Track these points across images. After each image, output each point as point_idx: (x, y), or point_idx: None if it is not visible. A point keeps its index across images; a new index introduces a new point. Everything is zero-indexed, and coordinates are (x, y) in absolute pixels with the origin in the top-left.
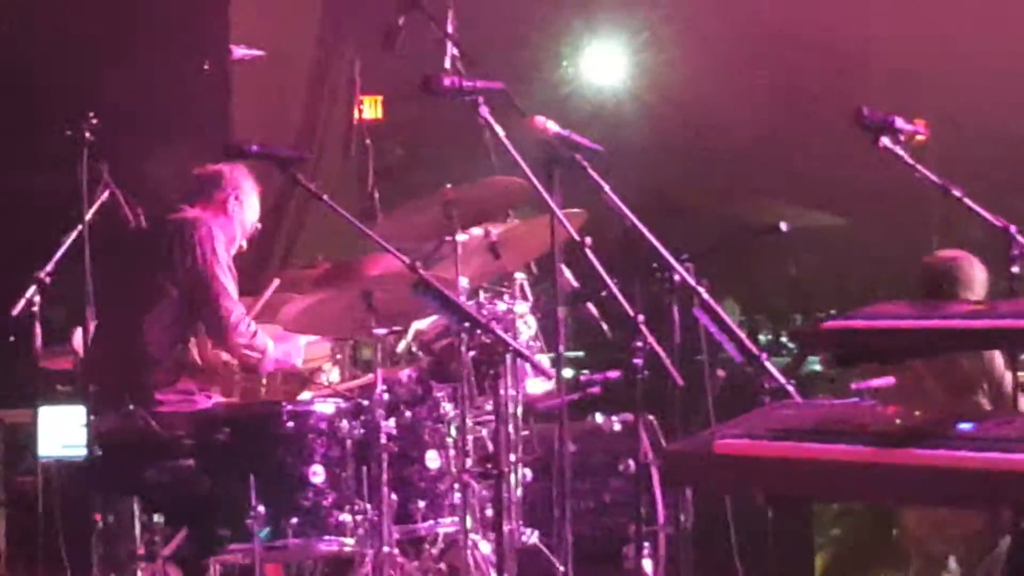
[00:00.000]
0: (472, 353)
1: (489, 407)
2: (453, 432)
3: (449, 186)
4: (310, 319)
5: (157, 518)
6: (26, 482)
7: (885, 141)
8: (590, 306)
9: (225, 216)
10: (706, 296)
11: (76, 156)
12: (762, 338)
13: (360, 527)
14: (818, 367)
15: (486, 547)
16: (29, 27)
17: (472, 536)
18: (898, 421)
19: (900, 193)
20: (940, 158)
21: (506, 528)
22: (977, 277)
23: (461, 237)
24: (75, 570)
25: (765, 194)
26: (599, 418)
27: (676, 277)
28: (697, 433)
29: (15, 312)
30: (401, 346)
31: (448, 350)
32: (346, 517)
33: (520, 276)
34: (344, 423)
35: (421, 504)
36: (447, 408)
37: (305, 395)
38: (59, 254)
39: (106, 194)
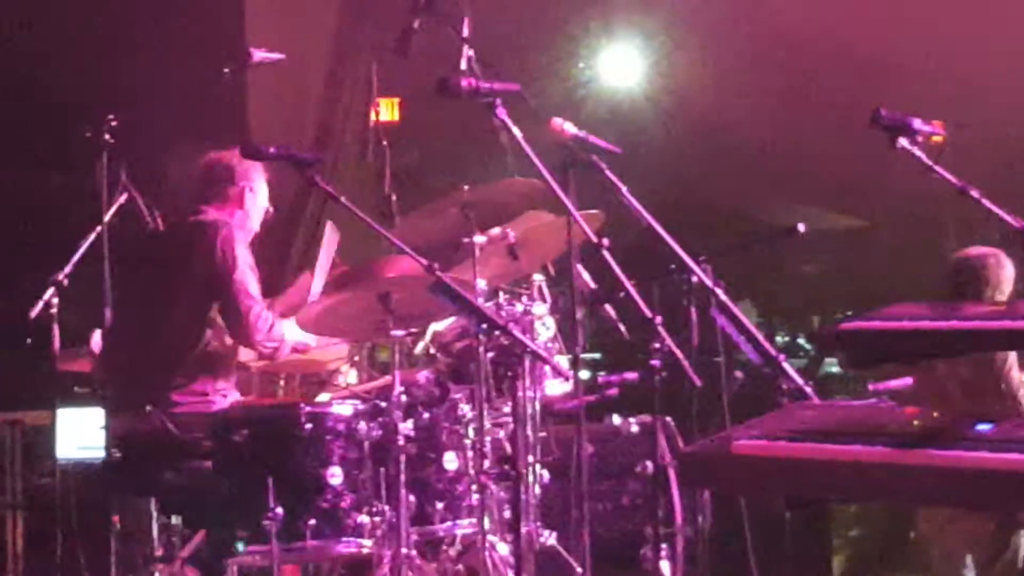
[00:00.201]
0: (490, 355)
1: (507, 408)
2: (471, 433)
3: (466, 188)
4: (328, 321)
5: (175, 520)
6: (44, 484)
7: (903, 142)
8: (608, 307)
9: (241, 210)
10: (723, 297)
11: (94, 158)
12: (779, 339)
13: (378, 528)
14: (835, 368)
15: (504, 548)
16: (48, 30)
17: (490, 538)
18: (916, 422)
19: (917, 194)
20: (957, 159)
21: (524, 529)
22: (1005, 276)
23: (479, 238)
24: (93, 572)
25: (782, 195)
26: (617, 419)
27: (694, 278)
28: (715, 434)
29: (33, 314)
30: (419, 348)
31: (466, 352)
32: (364, 519)
33: (538, 277)
34: (362, 425)
35: (439, 505)
36: (465, 409)
37: (323, 397)
38: (77, 256)
39: (124, 196)
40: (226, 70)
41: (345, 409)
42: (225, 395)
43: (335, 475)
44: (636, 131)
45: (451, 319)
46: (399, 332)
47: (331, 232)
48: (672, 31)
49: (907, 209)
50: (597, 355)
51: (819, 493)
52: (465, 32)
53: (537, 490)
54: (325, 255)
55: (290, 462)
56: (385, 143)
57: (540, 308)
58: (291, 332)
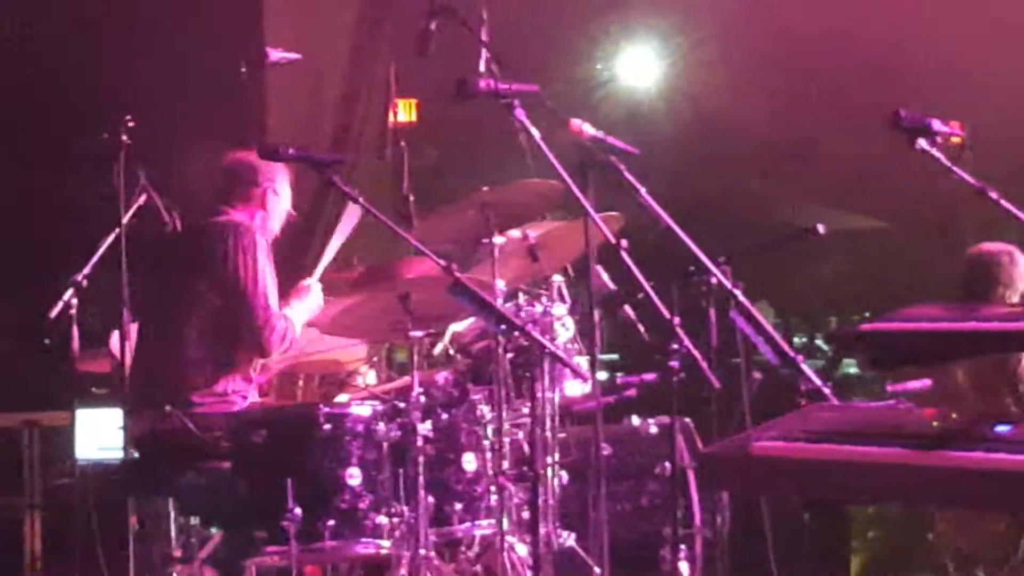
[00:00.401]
0: (509, 355)
1: (526, 409)
2: (490, 434)
3: (485, 188)
4: (347, 322)
5: (193, 520)
6: (63, 484)
7: (922, 143)
8: (626, 308)
9: (263, 211)
10: (742, 298)
11: (112, 159)
12: (797, 340)
13: (396, 529)
14: (853, 369)
15: (522, 549)
16: (65, 31)
17: (508, 538)
18: (935, 423)
19: (935, 195)
20: (975, 160)
21: (542, 531)
22: (1018, 274)
23: (498, 239)
24: (111, 572)
25: (800, 197)
26: (635, 421)
27: (712, 280)
28: (733, 436)
29: (53, 315)
30: (438, 349)
31: (485, 352)
32: (383, 519)
33: (558, 278)
34: (381, 425)
35: (457, 506)
36: (484, 410)
37: (342, 397)
38: (96, 257)
39: (143, 197)
40: (243, 70)
41: (364, 410)
42: (244, 396)
43: (354, 476)
44: (654, 132)
45: (470, 320)
46: (418, 333)
47: (352, 212)
48: (689, 32)
49: (925, 210)
50: (616, 356)
51: (837, 494)
52: (483, 33)
53: (556, 491)
54: (340, 233)
55: (309, 463)
56: (403, 144)
57: (559, 309)
58: (297, 316)
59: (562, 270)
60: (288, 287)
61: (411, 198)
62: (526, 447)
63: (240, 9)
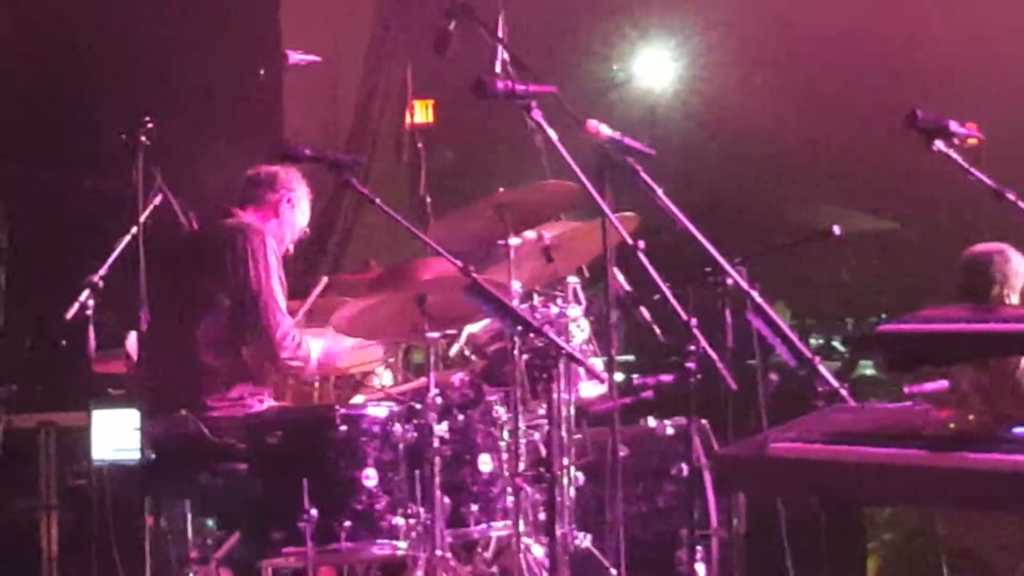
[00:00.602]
0: (525, 357)
1: (542, 411)
2: (506, 436)
3: (501, 189)
4: (363, 323)
5: (210, 522)
6: (79, 485)
7: (939, 144)
8: (643, 310)
9: (276, 218)
10: (759, 299)
11: (130, 160)
12: (813, 342)
13: (413, 530)
14: (870, 371)
15: (538, 551)
16: (84, 33)
17: (524, 540)
18: (951, 425)
19: (952, 196)
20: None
21: (558, 532)
22: (1012, 271)
23: (514, 241)
24: (127, 573)
25: (816, 198)
26: (652, 422)
27: (729, 281)
28: (750, 437)
29: (69, 316)
30: (454, 350)
31: (501, 354)
32: (399, 520)
33: (573, 280)
34: (397, 427)
35: (474, 508)
36: (500, 411)
37: (358, 399)
38: (112, 258)
39: (159, 198)
40: (261, 71)
41: (380, 411)
42: (261, 400)
43: (370, 477)
44: (670, 133)
45: (486, 321)
46: (434, 334)
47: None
48: (705, 34)
49: (941, 211)
50: (632, 357)
51: (854, 496)
52: (500, 34)
53: (572, 492)
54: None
55: (325, 464)
56: (420, 145)
57: (575, 310)
58: (317, 350)
59: (577, 271)
60: (303, 289)
61: (427, 199)
62: (542, 448)
63: (258, 11)
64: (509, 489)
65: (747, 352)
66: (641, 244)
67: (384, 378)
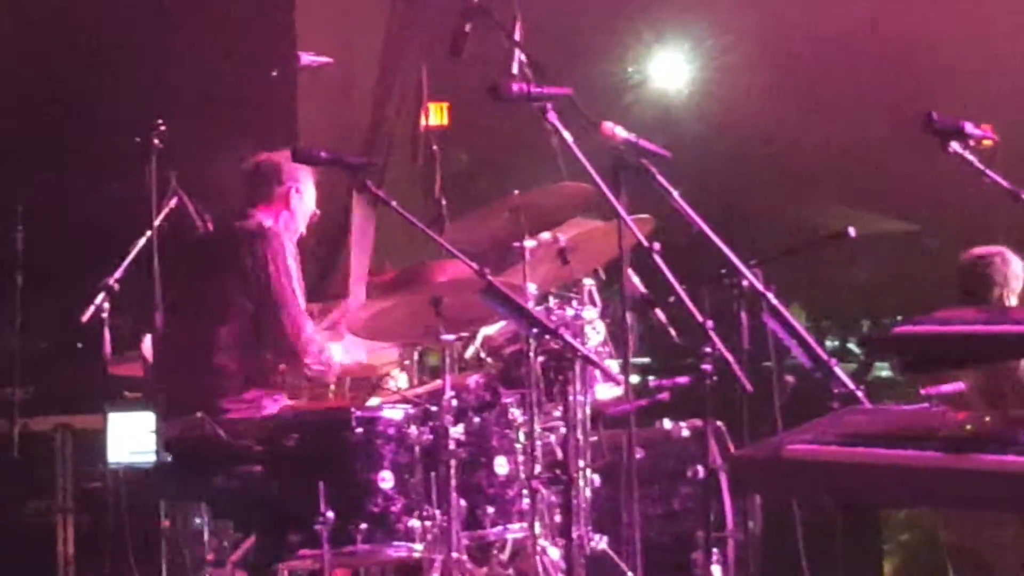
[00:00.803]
0: (541, 359)
1: (558, 413)
2: (522, 438)
3: (517, 192)
4: (379, 325)
5: (226, 524)
6: (95, 488)
7: (955, 146)
8: (658, 311)
9: (288, 211)
10: (775, 301)
11: (144, 163)
12: (829, 344)
13: (429, 533)
14: (886, 372)
15: (555, 553)
16: (98, 36)
17: (541, 542)
18: (968, 427)
19: (967, 198)
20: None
21: (575, 534)
22: (1012, 273)
23: (529, 243)
24: None
25: (832, 200)
26: (668, 424)
27: (744, 282)
28: (766, 439)
29: (85, 319)
30: (470, 352)
31: (517, 356)
32: (415, 523)
33: (589, 282)
34: (413, 429)
35: (490, 510)
36: (516, 414)
37: (374, 401)
38: (128, 260)
39: (174, 201)
40: (274, 73)
41: (396, 413)
42: (276, 400)
43: (386, 479)
44: (685, 135)
45: (502, 323)
46: (449, 336)
47: (363, 224)
48: (721, 35)
49: (957, 213)
50: (647, 359)
51: (870, 498)
52: (516, 36)
53: (588, 494)
54: (360, 247)
55: (341, 466)
56: (435, 147)
57: (590, 312)
58: (339, 355)
59: (593, 273)
60: (322, 291)
61: (443, 201)
62: (558, 450)
63: (272, 13)
64: (525, 491)
65: (763, 354)
66: (656, 246)
67: (400, 380)
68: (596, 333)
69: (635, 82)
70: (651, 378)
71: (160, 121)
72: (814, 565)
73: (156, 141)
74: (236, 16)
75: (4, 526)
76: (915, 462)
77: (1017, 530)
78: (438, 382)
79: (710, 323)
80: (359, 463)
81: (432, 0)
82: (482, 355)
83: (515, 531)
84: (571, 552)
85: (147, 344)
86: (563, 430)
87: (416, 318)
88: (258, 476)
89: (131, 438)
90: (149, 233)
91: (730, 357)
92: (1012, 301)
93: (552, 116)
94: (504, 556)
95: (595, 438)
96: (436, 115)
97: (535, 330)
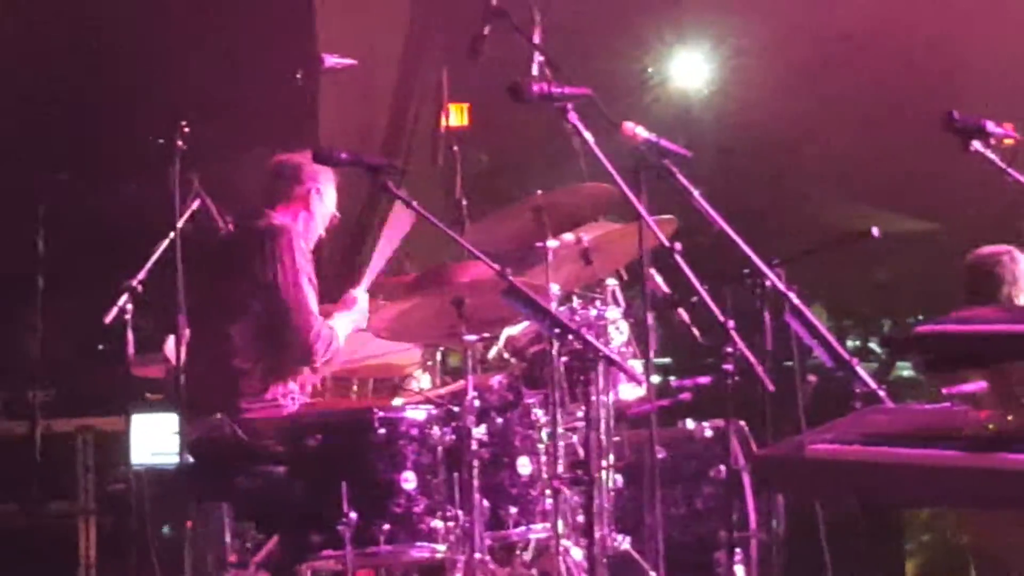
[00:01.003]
0: (563, 359)
1: (580, 413)
2: (544, 438)
3: (539, 192)
4: (401, 326)
5: (248, 525)
6: (118, 490)
7: (976, 145)
8: (681, 312)
9: (307, 211)
10: (797, 301)
11: (167, 164)
12: (850, 343)
13: (452, 533)
14: (908, 372)
15: (578, 553)
16: (121, 39)
17: (564, 542)
18: (990, 426)
19: (989, 197)
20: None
21: (597, 534)
22: (1020, 272)
23: (552, 243)
24: None
25: (853, 199)
26: (690, 424)
27: (767, 282)
28: (788, 439)
29: (108, 320)
30: (492, 352)
31: (539, 356)
32: (438, 523)
33: (612, 282)
34: (435, 429)
35: (513, 510)
36: (538, 414)
37: (396, 401)
38: (151, 262)
39: (197, 202)
40: (298, 75)
41: (418, 414)
42: (294, 398)
43: (409, 480)
44: (705, 134)
45: (524, 324)
46: (472, 337)
47: (399, 220)
48: (740, 35)
49: (978, 212)
50: (670, 359)
51: (893, 497)
52: (536, 37)
53: (610, 494)
54: (389, 240)
55: (364, 467)
56: (455, 148)
57: (613, 313)
58: (341, 327)
59: (615, 273)
60: (339, 293)
61: (464, 202)
62: (581, 450)
63: (294, 15)
64: (548, 491)
65: (785, 354)
66: (678, 246)
67: (422, 381)
68: (619, 333)
69: (655, 82)
70: (673, 378)
71: (183, 123)
72: (837, 564)
73: (179, 143)
74: (259, 19)
75: (27, 528)
76: (938, 461)
77: None
78: (461, 382)
79: (732, 323)
80: (382, 464)
81: (452, 2)
82: (505, 355)
83: (538, 531)
84: (594, 552)
85: (170, 345)
86: (586, 430)
87: (438, 319)
88: (281, 477)
89: (153, 439)
90: (172, 235)
91: (752, 357)
92: (1020, 300)
93: (573, 116)
94: (527, 556)
95: (618, 438)
96: (457, 116)
97: (557, 331)
